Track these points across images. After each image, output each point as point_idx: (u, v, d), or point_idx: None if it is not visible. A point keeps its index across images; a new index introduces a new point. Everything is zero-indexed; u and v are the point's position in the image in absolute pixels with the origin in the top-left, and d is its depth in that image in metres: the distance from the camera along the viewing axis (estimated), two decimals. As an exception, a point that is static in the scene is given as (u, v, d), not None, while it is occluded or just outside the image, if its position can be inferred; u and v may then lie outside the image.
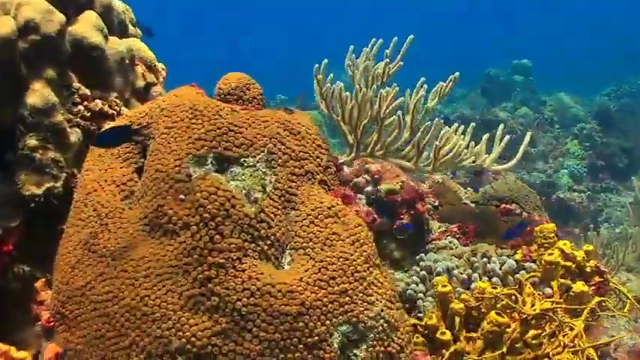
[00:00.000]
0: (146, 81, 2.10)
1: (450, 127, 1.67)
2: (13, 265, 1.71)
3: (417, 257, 2.57)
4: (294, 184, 1.66)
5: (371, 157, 1.76)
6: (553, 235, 2.08)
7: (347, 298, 1.55)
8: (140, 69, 2.08)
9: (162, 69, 2.20)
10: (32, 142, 1.68)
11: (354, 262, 1.60)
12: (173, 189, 1.54)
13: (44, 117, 1.69)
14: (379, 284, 1.64)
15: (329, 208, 1.64)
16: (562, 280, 1.95)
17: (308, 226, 1.61)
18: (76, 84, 1.81)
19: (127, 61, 1.98)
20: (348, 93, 1.69)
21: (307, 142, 1.72)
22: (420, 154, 1.67)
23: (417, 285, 2.38)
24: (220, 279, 1.47)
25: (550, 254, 1.98)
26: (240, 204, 1.51)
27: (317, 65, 1.73)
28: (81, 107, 1.80)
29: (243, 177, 1.59)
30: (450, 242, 2.95)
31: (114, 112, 1.89)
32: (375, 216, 2.22)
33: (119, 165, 1.70)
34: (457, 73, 1.71)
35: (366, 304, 1.58)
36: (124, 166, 1.70)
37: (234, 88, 1.88)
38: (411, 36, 1.77)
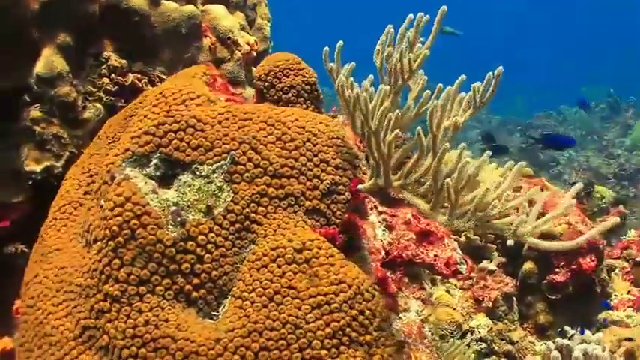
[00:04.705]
0: (215, 56, 1.88)
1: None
2: (9, 242, 1.68)
3: (563, 329, 1.95)
4: (261, 208, 1.29)
5: (390, 187, 1.29)
6: None
7: (281, 384, 1.17)
8: (208, 41, 1.87)
9: (247, 43, 1.96)
10: (36, 113, 1.62)
11: (308, 334, 1.19)
12: (100, 191, 1.33)
13: (49, 87, 1.60)
14: (350, 373, 1.20)
15: (297, 251, 1.24)
16: None
17: (258, 270, 1.24)
18: (107, 53, 1.69)
19: (185, 31, 1.79)
20: (354, 92, 1.24)
21: (301, 154, 1.33)
22: (439, 192, 1.15)
23: (538, 371, 1.77)
24: (113, 315, 1.21)
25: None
26: (153, 224, 1.22)
27: (326, 48, 1.31)
28: (106, 79, 1.67)
29: (186, 189, 1.28)
30: (629, 317, 2.16)
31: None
32: (461, 267, 1.69)
33: (105, 152, 1.54)
34: (500, 68, 1.13)
35: (314, 397, 1.17)
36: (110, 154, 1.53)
37: (267, 73, 1.56)
38: (444, 7, 1.23)
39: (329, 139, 1.37)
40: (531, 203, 2.21)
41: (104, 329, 1.21)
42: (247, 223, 1.28)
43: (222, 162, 1.30)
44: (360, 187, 1.35)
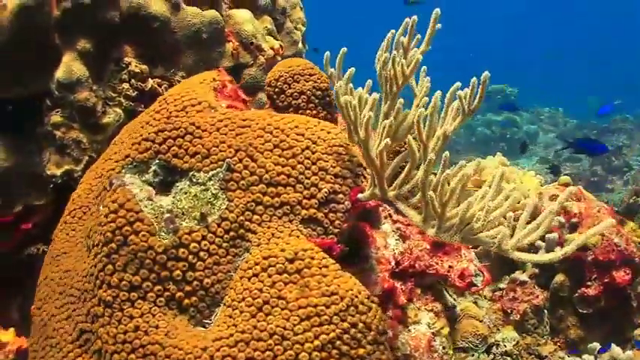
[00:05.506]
0: (237, 61, 1.88)
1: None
2: (31, 243, 1.73)
3: (591, 345, 1.85)
4: (255, 216, 1.28)
5: (385, 197, 1.25)
6: None
7: (267, 395, 1.16)
8: (231, 46, 1.87)
9: (272, 48, 1.95)
10: (56, 118, 1.66)
11: (296, 347, 1.18)
12: (100, 197, 1.35)
13: (69, 93, 1.65)
14: (338, 388, 1.18)
15: (289, 261, 1.23)
16: None
17: (249, 280, 1.23)
18: (128, 58, 1.72)
19: (206, 36, 1.80)
20: (347, 100, 1.22)
21: (299, 162, 1.31)
22: (426, 205, 1.11)
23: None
24: (105, 320, 1.23)
25: None
26: (145, 231, 1.23)
27: (327, 53, 1.29)
28: (125, 85, 1.70)
29: (182, 196, 1.29)
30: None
31: (172, 93, 1.74)
32: (476, 279, 1.62)
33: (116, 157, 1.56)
34: (486, 73, 1.07)
35: (299, 410, 1.16)
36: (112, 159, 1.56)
37: (277, 79, 1.55)
38: (437, 9, 1.18)
39: (329, 147, 1.34)
40: (566, 213, 2.12)
41: (97, 334, 1.23)
42: (242, 231, 1.27)
43: (218, 169, 1.30)
44: (359, 195, 1.32)
